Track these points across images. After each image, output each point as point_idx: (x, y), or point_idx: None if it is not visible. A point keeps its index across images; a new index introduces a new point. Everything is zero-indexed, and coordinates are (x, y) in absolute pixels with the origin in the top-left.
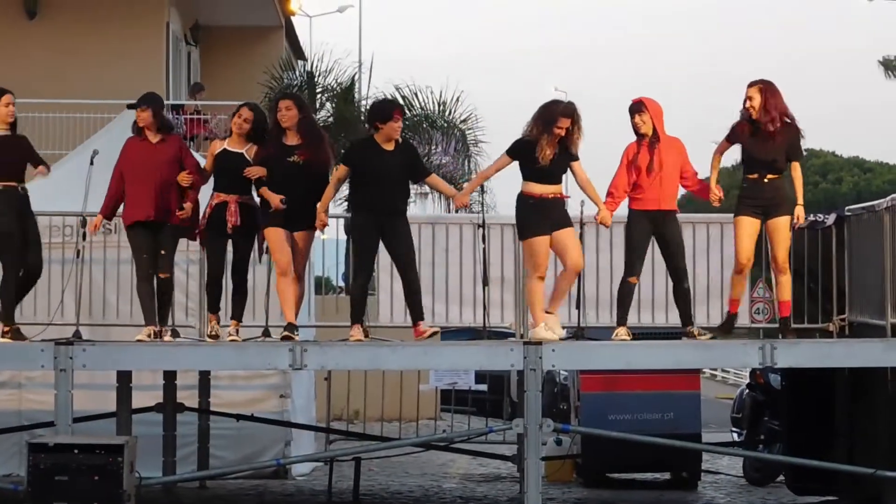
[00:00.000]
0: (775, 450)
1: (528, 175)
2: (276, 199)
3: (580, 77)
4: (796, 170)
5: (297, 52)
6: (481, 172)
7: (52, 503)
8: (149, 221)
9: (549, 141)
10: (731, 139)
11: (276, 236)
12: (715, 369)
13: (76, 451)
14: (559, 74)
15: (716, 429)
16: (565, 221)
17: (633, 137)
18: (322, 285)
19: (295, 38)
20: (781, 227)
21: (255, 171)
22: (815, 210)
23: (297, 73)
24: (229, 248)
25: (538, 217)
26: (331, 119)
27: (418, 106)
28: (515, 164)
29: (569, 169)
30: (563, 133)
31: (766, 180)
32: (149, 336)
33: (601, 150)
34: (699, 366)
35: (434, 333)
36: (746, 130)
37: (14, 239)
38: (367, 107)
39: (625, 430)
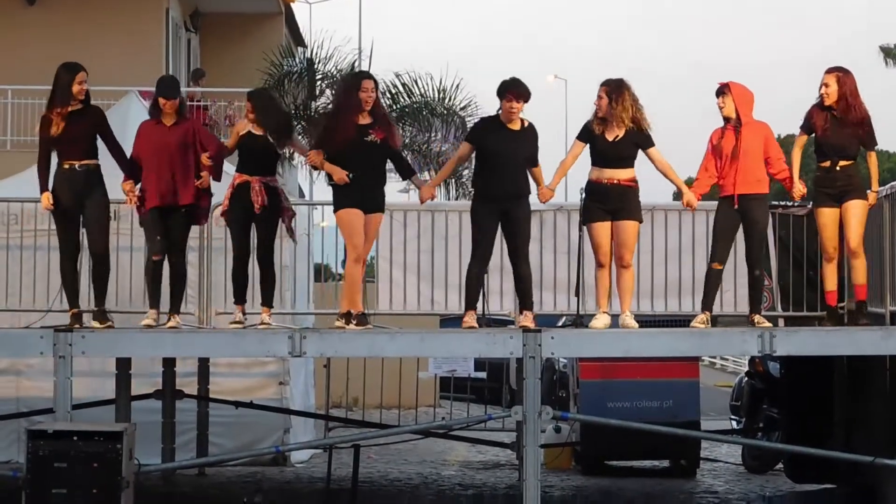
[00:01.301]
0: (774, 438)
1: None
2: (342, 174)
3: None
4: (871, 157)
5: (297, 38)
6: (562, 165)
7: (51, 490)
8: (163, 205)
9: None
10: (806, 130)
11: (353, 219)
12: (714, 357)
13: (75, 437)
14: (560, 62)
15: (715, 417)
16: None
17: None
18: (322, 272)
19: (295, 24)
20: (854, 211)
21: (314, 159)
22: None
23: (297, 59)
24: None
25: (591, 203)
26: (331, 105)
27: (418, 93)
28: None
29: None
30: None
31: (838, 167)
32: (154, 321)
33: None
34: (697, 353)
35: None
36: (820, 118)
37: (69, 219)
38: None
39: (623, 418)
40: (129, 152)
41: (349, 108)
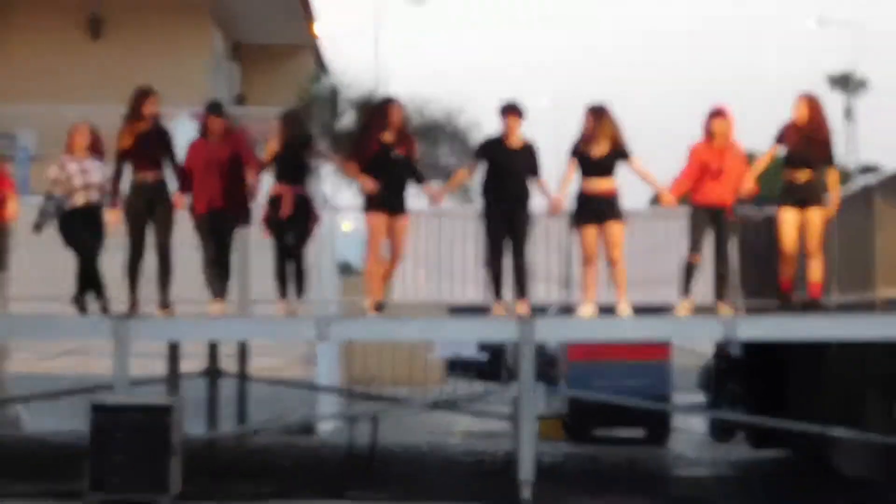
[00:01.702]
0: (736, 410)
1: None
2: (371, 184)
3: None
4: (832, 172)
5: (323, 67)
6: (564, 181)
7: (111, 456)
8: (213, 211)
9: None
10: (779, 142)
11: (377, 222)
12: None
13: (132, 410)
14: (554, 87)
15: (685, 393)
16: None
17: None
18: (345, 269)
19: (321, 55)
20: (814, 219)
21: (369, 187)
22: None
23: (324, 85)
24: None
25: (581, 209)
26: (353, 126)
27: (428, 114)
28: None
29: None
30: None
31: (804, 178)
32: (221, 311)
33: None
34: (671, 338)
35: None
36: (792, 134)
37: (139, 223)
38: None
39: (605, 393)
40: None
41: (378, 127)
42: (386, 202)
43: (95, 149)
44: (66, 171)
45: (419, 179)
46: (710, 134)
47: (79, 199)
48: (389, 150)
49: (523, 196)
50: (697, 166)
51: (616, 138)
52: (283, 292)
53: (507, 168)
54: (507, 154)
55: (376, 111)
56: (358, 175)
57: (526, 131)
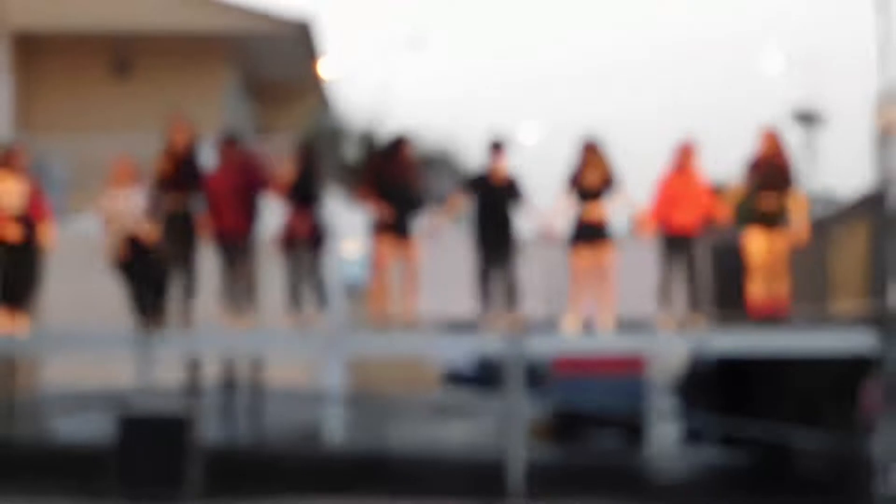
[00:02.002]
0: (707, 416)
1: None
2: (385, 211)
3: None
4: (794, 196)
5: (330, 103)
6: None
7: (135, 458)
8: (229, 233)
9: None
10: (746, 176)
11: (385, 246)
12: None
13: (156, 414)
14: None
15: (660, 396)
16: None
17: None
18: (350, 288)
19: (328, 92)
20: (779, 242)
21: (384, 214)
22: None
23: (330, 120)
24: None
25: (574, 232)
26: (376, 157)
27: (430, 143)
28: None
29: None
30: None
31: (769, 204)
32: (231, 324)
33: None
34: (648, 351)
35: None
36: (756, 164)
37: (165, 243)
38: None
39: (588, 400)
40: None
41: (389, 160)
42: (394, 228)
43: (134, 177)
44: (115, 203)
45: (422, 207)
46: (676, 165)
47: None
48: (400, 179)
49: (508, 225)
50: (665, 196)
51: (607, 170)
52: (295, 308)
53: (492, 201)
54: (491, 189)
55: (389, 147)
56: (374, 201)
57: (514, 162)
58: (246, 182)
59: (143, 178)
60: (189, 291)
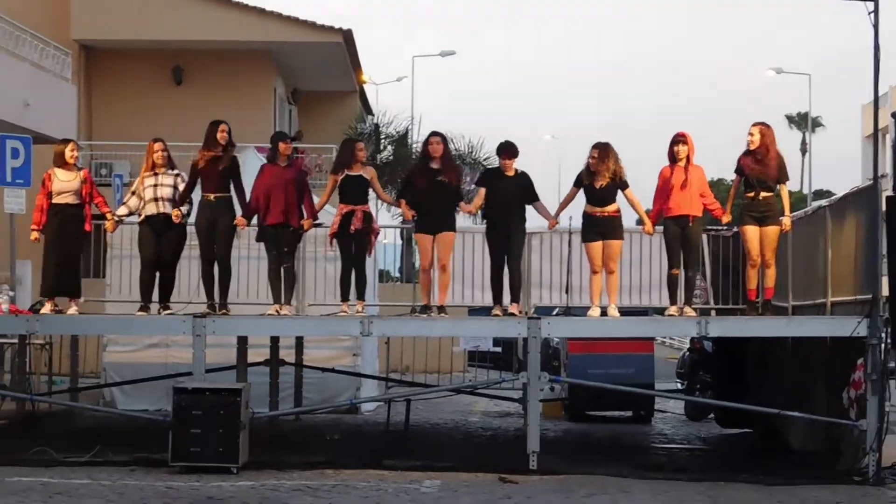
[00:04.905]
0: (707, 395)
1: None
2: (409, 213)
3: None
4: (784, 190)
5: (367, 109)
6: (562, 203)
7: (190, 430)
8: (279, 225)
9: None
10: (739, 172)
11: (422, 241)
12: (665, 337)
13: (207, 392)
14: (558, 124)
15: (665, 380)
16: (611, 234)
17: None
18: (383, 276)
19: (365, 99)
20: (770, 234)
21: (407, 214)
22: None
23: (367, 124)
24: None
25: (587, 228)
26: (391, 158)
27: (454, 148)
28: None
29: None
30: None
31: (760, 197)
32: (276, 311)
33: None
34: (653, 335)
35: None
36: (747, 160)
37: (203, 235)
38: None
39: (599, 381)
40: (247, 191)
41: (424, 156)
42: (431, 222)
43: (169, 163)
44: (144, 184)
45: (458, 202)
46: (673, 157)
47: (150, 210)
48: (436, 175)
49: (518, 219)
50: (665, 186)
51: (616, 172)
52: (346, 296)
53: (503, 195)
54: (502, 183)
55: (423, 145)
56: (401, 205)
57: (523, 164)
58: (296, 175)
59: (179, 167)
60: (224, 280)
